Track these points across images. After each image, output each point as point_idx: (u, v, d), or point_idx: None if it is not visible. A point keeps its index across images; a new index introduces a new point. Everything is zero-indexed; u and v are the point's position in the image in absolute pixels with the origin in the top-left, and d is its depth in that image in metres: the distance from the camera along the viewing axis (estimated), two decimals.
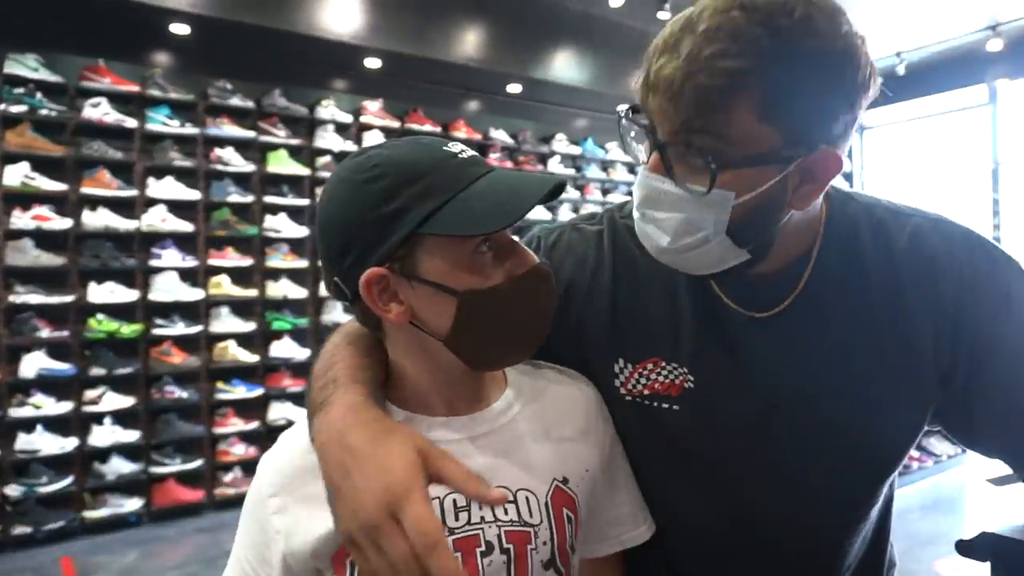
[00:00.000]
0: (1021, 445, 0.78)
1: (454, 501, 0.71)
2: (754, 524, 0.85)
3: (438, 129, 5.16)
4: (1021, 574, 0.81)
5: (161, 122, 4.08)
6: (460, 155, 0.70)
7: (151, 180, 4.06)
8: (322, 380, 0.74)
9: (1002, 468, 0.85)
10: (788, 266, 0.79)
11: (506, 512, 0.73)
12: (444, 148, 0.71)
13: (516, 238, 0.76)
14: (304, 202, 4.57)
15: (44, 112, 3.76)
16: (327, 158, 4.67)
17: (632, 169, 6.48)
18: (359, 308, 0.73)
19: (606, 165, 6.28)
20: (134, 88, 4.01)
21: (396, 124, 4.97)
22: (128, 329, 3.95)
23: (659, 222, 0.72)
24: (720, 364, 0.82)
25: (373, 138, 4.87)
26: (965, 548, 0.85)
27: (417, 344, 0.74)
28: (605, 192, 6.25)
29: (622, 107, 0.74)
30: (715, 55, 0.63)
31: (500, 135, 5.48)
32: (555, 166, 5.77)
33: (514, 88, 5.29)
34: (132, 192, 3.99)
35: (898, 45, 5.75)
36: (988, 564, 0.82)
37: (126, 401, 3.93)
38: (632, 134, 0.74)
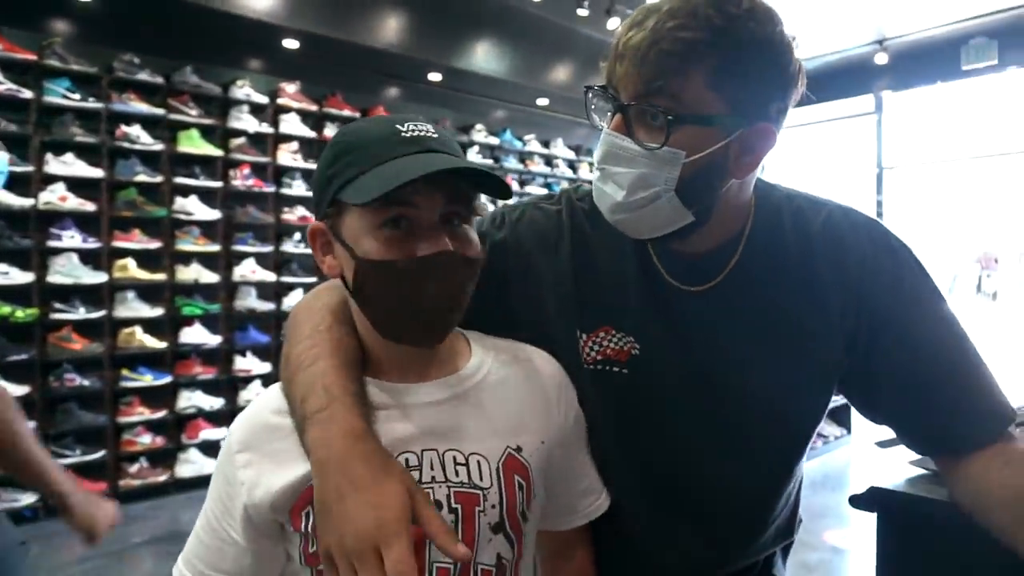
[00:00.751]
0: (906, 410, 0.90)
1: (406, 460, 0.76)
2: (692, 484, 0.95)
3: (356, 115, 5.09)
4: (900, 519, 0.95)
5: (61, 95, 3.85)
6: (404, 133, 0.75)
7: (49, 156, 3.83)
8: (309, 372, 0.76)
9: (888, 432, 0.98)
10: (721, 246, 0.90)
11: (457, 474, 0.78)
12: (396, 126, 0.76)
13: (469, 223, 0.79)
14: (217, 184, 4.42)
15: None
16: (241, 139, 4.53)
17: (549, 162, 6.61)
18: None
19: (524, 156, 6.38)
20: (31, 57, 3.76)
21: (314, 107, 4.87)
22: (23, 313, 3.72)
23: (616, 176, 0.81)
24: (661, 333, 0.91)
25: (290, 121, 4.76)
26: (856, 501, 0.98)
27: (354, 304, 0.81)
28: (523, 183, 6.35)
29: (592, 84, 0.84)
30: (676, 27, 0.75)
31: None
32: (473, 156, 5.81)
33: (435, 76, 5.29)
34: (27, 168, 3.75)
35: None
36: (875, 515, 0.96)
37: (20, 390, 3.70)
38: (594, 106, 0.85)
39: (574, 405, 0.91)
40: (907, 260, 0.91)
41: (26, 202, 3.74)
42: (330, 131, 4.95)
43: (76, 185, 3.90)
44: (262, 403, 0.82)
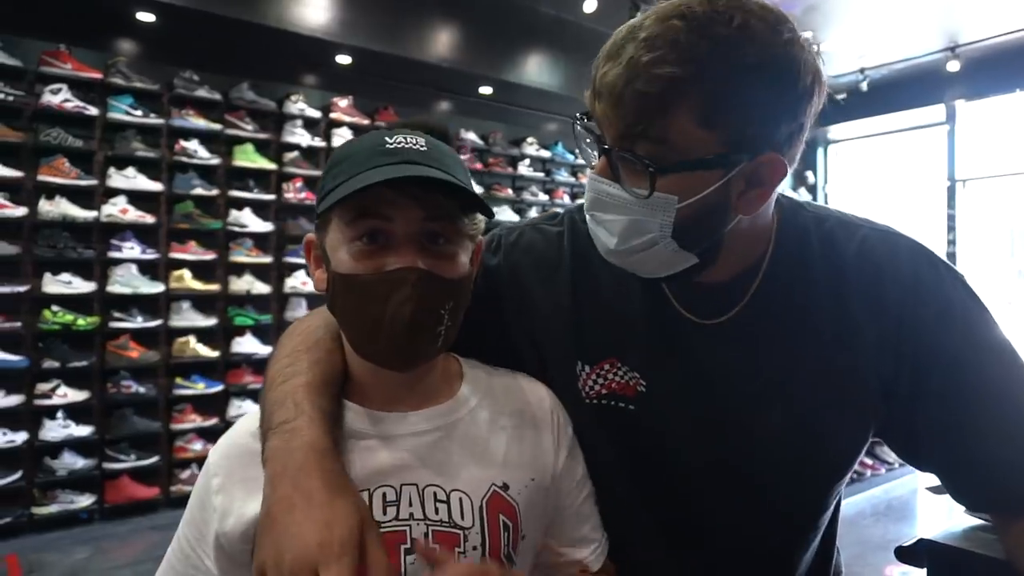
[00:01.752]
0: (954, 462, 0.79)
1: (383, 495, 0.72)
2: (703, 533, 0.86)
3: None
4: None
5: (124, 111, 3.99)
6: (388, 145, 0.71)
7: (112, 170, 3.97)
8: (281, 389, 0.73)
9: None
10: (739, 275, 0.81)
11: (436, 511, 0.73)
12: (384, 138, 0.72)
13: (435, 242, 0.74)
14: (270, 197, 4.51)
15: (1, 96, 3.65)
16: (295, 153, 4.62)
17: None
18: None
19: (576, 169, 6.31)
20: (96, 75, 3.91)
21: (366, 122, 4.93)
22: (84, 321, 3.86)
23: (607, 224, 0.74)
24: (670, 370, 0.83)
25: (342, 135, 4.82)
26: (903, 554, 0.88)
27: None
28: (574, 197, 6.28)
29: (578, 113, 0.76)
30: (653, 62, 0.66)
31: (471, 137, 5.48)
32: (525, 169, 5.79)
33: (486, 90, 5.29)
34: (91, 181, 3.90)
35: (862, 62, 5.90)
36: (924, 571, 0.85)
37: (80, 395, 3.83)
38: (586, 139, 0.77)
39: (568, 439, 0.85)
40: (957, 291, 0.79)
41: (89, 214, 3.89)
42: None
43: (136, 198, 4.04)
44: (242, 425, 0.78)
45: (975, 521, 0.87)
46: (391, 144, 0.71)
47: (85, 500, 3.82)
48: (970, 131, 6.37)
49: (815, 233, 0.83)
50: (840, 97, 6.63)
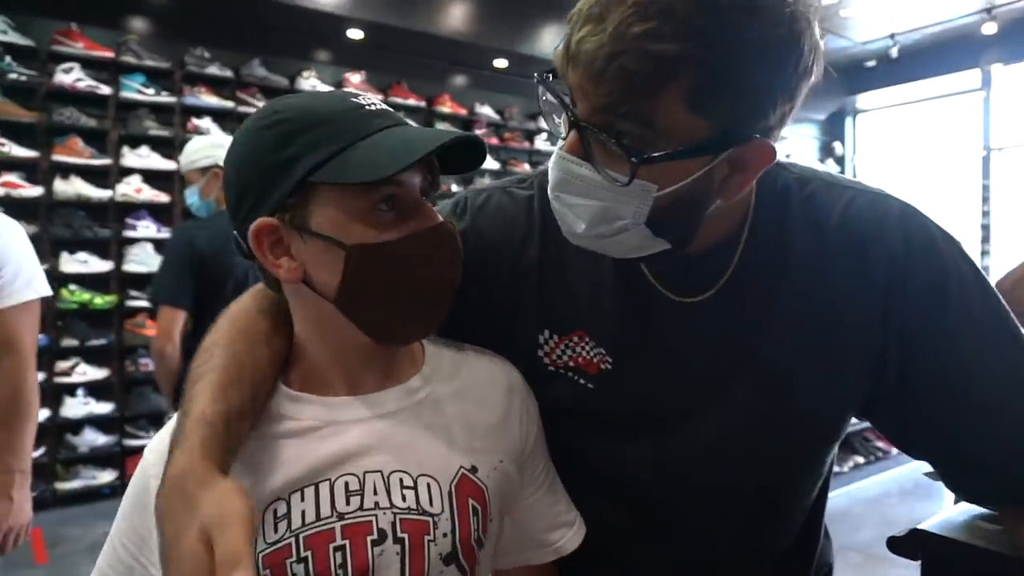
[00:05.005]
0: (949, 450, 0.73)
1: (346, 484, 0.67)
2: (658, 523, 0.82)
3: (422, 103, 5.07)
4: (947, 571, 0.78)
5: (136, 90, 3.99)
6: (367, 107, 0.66)
7: (126, 149, 3.98)
8: (187, 395, 0.65)
9: None
10: (718, 246, 0.75)
11: (404, 499, 0.68)
12: (351, 99, 0.67)
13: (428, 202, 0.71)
14: None
15: (14, 76, 3.67)
16: None
17: None
18: (258, 266, 0.70)
19: None
20: (108, 54, 3.91)
21: (379, 97, 4.87)
22: (102, 300, 3.90)
23: (574, 207, 0.67)
24: (638, 349, 0.78)
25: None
26: (896, 545, 0.82)
27: (314, 310, 0.69)
28: None
29: (544, 73, 0.67)
30: (644, 35, 0.57)
31: (486, 111, 5.40)
32: (541, 144, 5.70)
33: (501, 63, 5.20)
34: (106, 161, 3.91)
35: (892, 27, 5.67)
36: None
37: (100, 373, 3.89)
38: (546, 100, 0.68)
39: (536, 420, 0.80)
40: (954, 260, 0.72)
41: (104, 194, 3.91)
42: None
43: (151, 177, 4.04)
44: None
45: (977, 509, 0.81)
46: (369, 105, 0.67)
47: (107, 476, 3.89)
48: (1007, 97, 6.11)
49: (796, 196, 0.76)
50: (869, 64, 6.41)
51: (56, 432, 3.81)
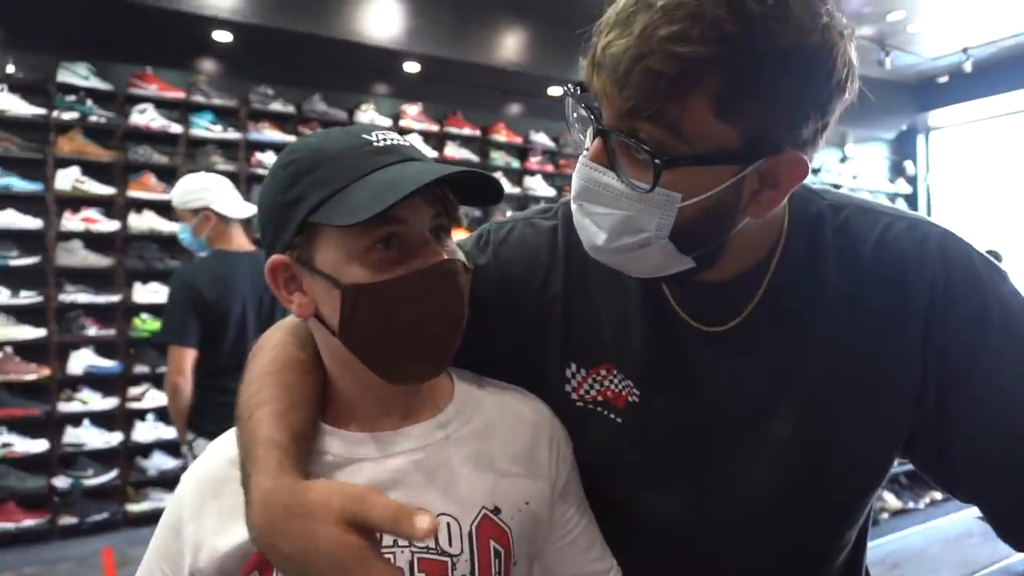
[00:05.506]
0: (996, 492, 0.68)
1: None
2: (684, 559, 0.78)
3: (477, 132, 5.14)
4: None
5: (204, 127, 4.19)
6: (376, 143, 0.66)
7: None
8: (248, 427, 0.68)
9: None
10: (745, 274, 0.72)
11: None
12: (363, 136, 0.67)
13: (451, 235, 0.71)
14: None
15: (94, 118, 3.91)
16: None
17: None
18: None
19: None
20: (179, 95, 4.13)
21: (435, 127, 4.97)
22: None
23: (596, 217, 0.65)
24: (666, 381, 0.75)
25: (412, 142, 4.88)
26: None
27: (331, 346, 0.70)
28: None
29: (569, 84, 0.67)
30: (671, 37, 0.56)
31: (541, 138, 5.43)
32: None
33: (555, 91, 5.22)
34: None
35: (965, 40, 5.45)
36: None
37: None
38: (576, 115, 0.67)
39: (568, 460, 0.78)
40: (996, 288, 0.68)
41: (175, 226, 4.08)
42: (451, 150, 5.04)
43: None
44: (217, 452, 0.73)
45: None
46: (379, 142, 0.66)
47: None
48: None
49: (830, 223, 0.73)
50: (941, 80, 6.17)
51: (127, 455, 3.97)
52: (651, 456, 0.77)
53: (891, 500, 4.18)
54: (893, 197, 7.03)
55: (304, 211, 0.65)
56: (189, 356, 2.39)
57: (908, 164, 7.18)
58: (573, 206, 0.69)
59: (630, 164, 0.62)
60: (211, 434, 0.99)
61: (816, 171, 6.71)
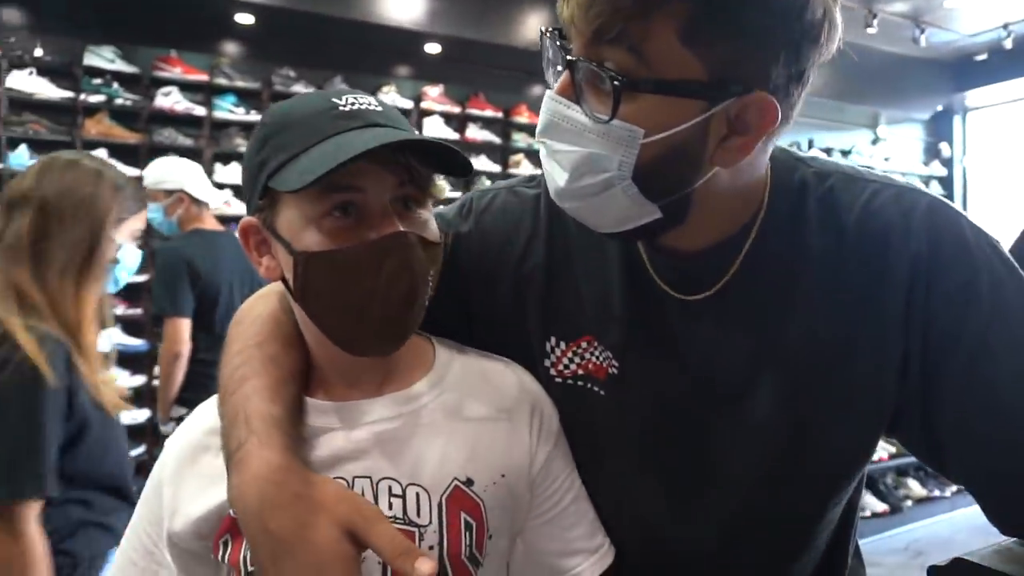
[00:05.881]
0: (984, 472, 0.65)
1: None
2: (669, 535, 0.76)
3: (499, 114, 5.12)
4: None
5: (228, 109, 4.23)
6: (342, 107, 0.65)
7: (218, 166, 4.22)
8: (232, 402, 0.67)
9: None
10: (724, 242, 0.70)
11: (390, 507, 0.67)
12: (332, 100, 0.66)
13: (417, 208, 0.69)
14: None
15: (120, 101, 3.96)
16: None
17: None
18: None
19: None
20: (203, 77, 4.16)
21: (457, 109, 4.95)
22: None
23: (559, 156, 0.64)
24: (643, 349, 0.74)
25: (433, 124, 4.88)
26: (937, 574, 0.74)
27: (301, 312, 0.71)
28: None
29: (547, 27, 0.66)
30: None
31: None
32: None
33: None
34: None
35: (1006, 15, 5.25)
36: None
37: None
38: (550, 56, 0.66)
39: (553, 436, 0.76)
40: (987, 259, 0.65)
41: None
42: (472, 132, 5.02)
43: (240, 191, 4.26)
44: (196, 420, 0.75)
45: None
46: (344, 106, 0.65)
47: None
48: None
49: (814, 191, 0.70)
50: (980, 58, 5.96)
51: (154, 432, 4.04)
52: (635, 430, 0.75)
53: (915, 487, 4.11)
54: (928, 180, 6.85)
55: (265, 175, 0.65)
56: (187, 326, 2.45)
57: (944, 146, 6.97)
58: (539, 147, 0.67)
59: (595, 97, 0.60)
60: None
61: (847, 152, 6.56)
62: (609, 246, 0.75)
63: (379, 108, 0.67)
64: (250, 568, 0.64)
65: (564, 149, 0.63)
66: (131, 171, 3.93)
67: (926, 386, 0.65)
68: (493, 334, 0.80)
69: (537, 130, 0.66)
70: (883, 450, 3.86)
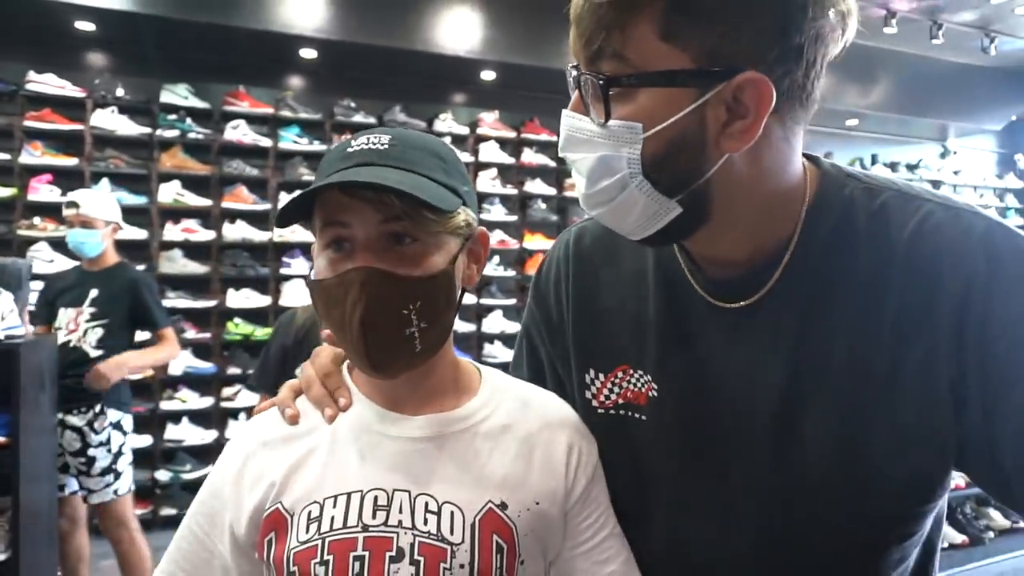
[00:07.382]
0: None
1: (375, 498, 0.70)
2: (719, 565, 0.74)
3: (554, 138, 5.15)
4: None
5: (292, 140, 4.40)
6: (349, 149, 0.71)
7: (283, 194, 4.38)
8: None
9: None
10: (767, 253, 0.69)
11: (426, 522, 0.69)
12: (352, 140, 0.72)
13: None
14: None
15: (193, 135, 4.18)
16: None
17: None
18: None
19: None
20: (269, 110, 4.36)
21: (512, 134, 5.03)
22: (261, 332, 4.27)
23: (578, 164, 0.66)
24: (683, 368, 0.73)
25: (489, 149, 4.95)
26: None
27: None
28: None
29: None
30: None
31: None
32: None
33: None
34: (266, 206, 4.33)
35: None
36: None
37: (258, 399, 4.25)
38: (570, 82, 0.69)
39: (590, 470, 0.77)
40: None
41: (265, 235, 4.32)
42: (528, 156, 5.07)
43: None
44: (259, 419, 0.80)
45: None
46: (352, 148, 0.71)
47: None
48: None
49: (864, 207, 0.68)
50: None
51: (221, 451, 4.19)
52: (676, 453, 0.74)
53: (998, 518, 3.89)
54: (1002, 193, 6.55)
55: None
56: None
57: (1019, 157, 6.67)
58: (561, 155, 0.70)
59: (597, 104, 0.63)
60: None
61: (914, 167, 6.34)
62: (646, 267, 0.77)
63: (383, 147, 0.70)
64: (292, 568, 0.68)
65: (580, 157, 0.65)
66: (202, 201, 4.14)
67: (988, 418, 0.61)
68: (557, 376, 0.87)
69: (559, 147, 0.69)
70: (959, 477, 3.64)
